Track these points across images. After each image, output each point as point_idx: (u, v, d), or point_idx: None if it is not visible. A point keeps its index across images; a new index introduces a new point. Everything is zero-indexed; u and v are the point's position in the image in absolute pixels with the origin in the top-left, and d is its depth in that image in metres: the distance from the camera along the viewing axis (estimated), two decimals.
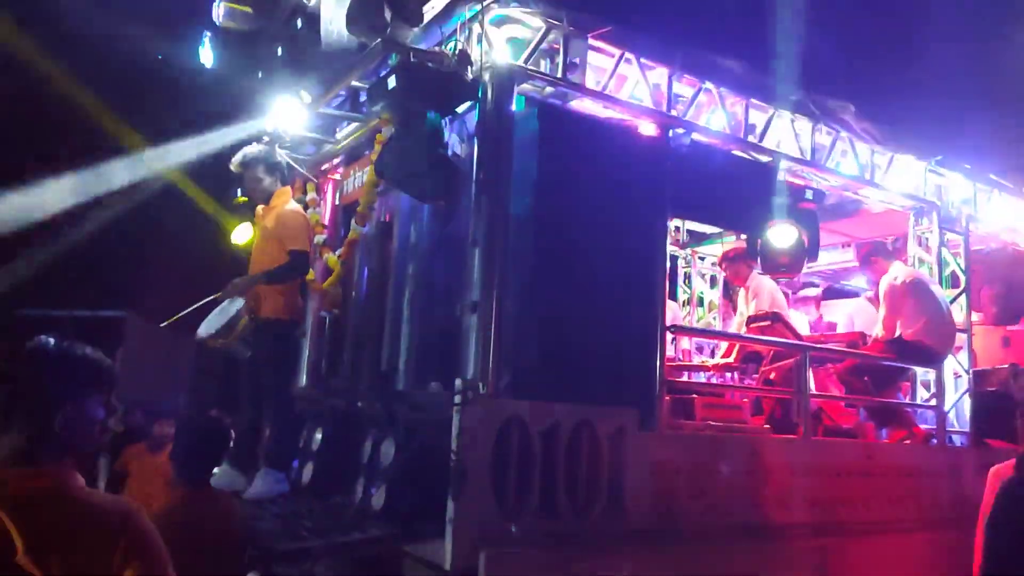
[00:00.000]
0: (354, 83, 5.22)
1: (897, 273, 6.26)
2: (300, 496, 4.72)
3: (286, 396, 5.27)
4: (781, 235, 5.43)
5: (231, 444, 4.72)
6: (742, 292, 7.20)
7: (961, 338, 6.53)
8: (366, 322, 5.56)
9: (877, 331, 6.25)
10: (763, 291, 6.88)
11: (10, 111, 11.15)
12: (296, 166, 5.92)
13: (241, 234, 5.86)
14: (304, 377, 6.19)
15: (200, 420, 3.72)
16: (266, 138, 5.74)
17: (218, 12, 5.38)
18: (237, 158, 5.43)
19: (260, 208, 5.45)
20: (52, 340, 1.96)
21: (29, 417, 1.89)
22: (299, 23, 5.19)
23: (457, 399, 3.69)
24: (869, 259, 6.52)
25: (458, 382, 3.76)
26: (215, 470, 4.29)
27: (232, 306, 4.98)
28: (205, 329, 4.99)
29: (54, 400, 1.90)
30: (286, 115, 5.41)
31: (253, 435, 5.16)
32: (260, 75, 5.63)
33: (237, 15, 5.29)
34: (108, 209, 11.16)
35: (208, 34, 5.64)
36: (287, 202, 5.34)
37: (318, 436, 4.97)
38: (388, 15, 4.21)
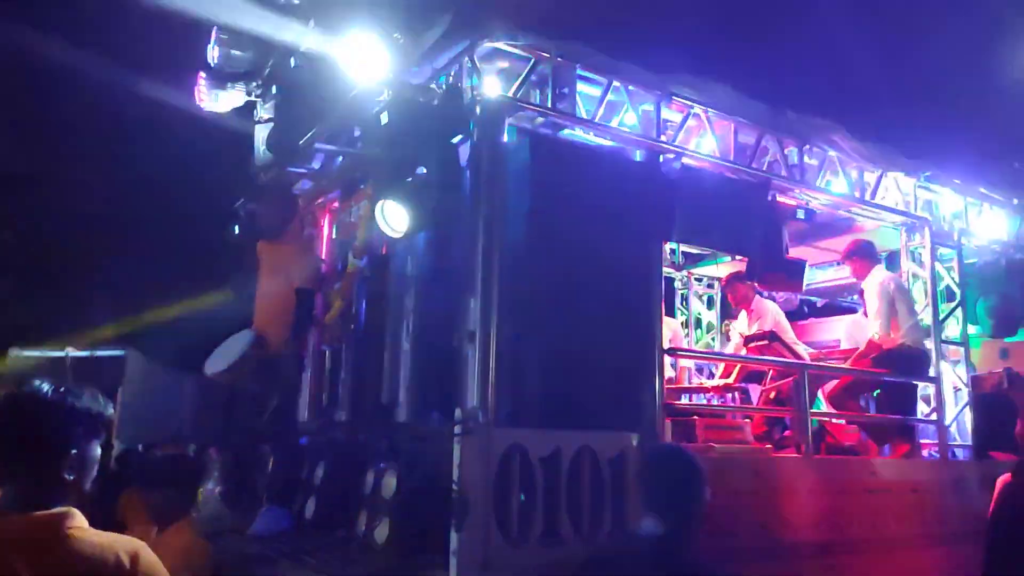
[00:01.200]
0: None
1: (887, 275, 6.31)
2: (303, 531, 4.71)
3: (292, 431, 5.28)
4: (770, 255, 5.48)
5: (213, 479, 4.68)
6: (743, 313, 7.22)
7: (959, 351, 6.55)
8: (365, 354, 5.58)
9: (875, 330, 6.17)
10: (766, 313, 6.91)
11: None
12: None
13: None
14: (305, 411, 6.20)
15: (167, 458, 3.64)
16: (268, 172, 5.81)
17: (213, 54, 5.48)
18: (255, 190, 5.47)
19: (263, 244, 5.48)
20: (49, 385, 1.97)
21: (35, 463, 1.91)
22: (292, 62, 5.29)
23: (458, 429, 3.70)
24: (854, 256, 6.49)
25: (458, 412, 3.77)
26: (197, 505, 4.23)
27: (239, 342, 5.00)
28: (214, 366, 4.99)
29: (60, 446, 1.92)
30: (281, 152, 5.49)
31: (244, 471, 5.14)
32: (256, 113, 5.72)
33: (232, 58, 5.39)
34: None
35: (203, 75, 5.72)
36: (300, 238, 5.38)
37: (320, 470, 4.97)
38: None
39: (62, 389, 1.96)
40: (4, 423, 1.93)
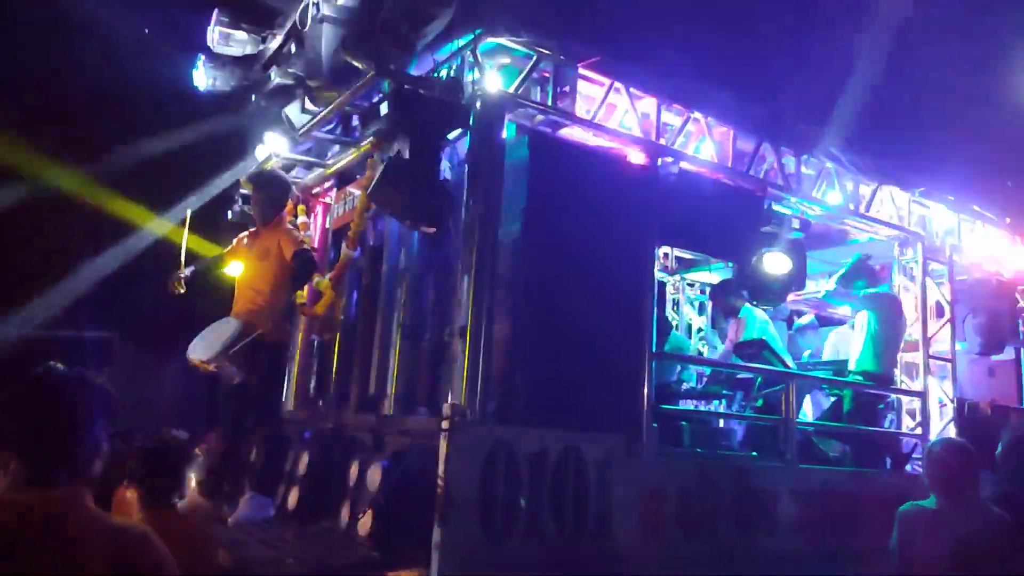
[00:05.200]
0: (346, 108, 5.27)
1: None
2: (286, 521, 4.68)
3: (277, 420, 5.24)
4: (768, 264, 5.49)
5: (198, 466, 4.62)
6: (732, 323, 7.23)
7: (947, 367, 6.58)
8: (355, 346, 5.56)
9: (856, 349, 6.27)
10: (754, 322, 6.92)
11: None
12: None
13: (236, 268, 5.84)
14: (291, 400, 6.16)
15: (157, 441, 3.60)
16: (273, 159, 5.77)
17: (213, 36, 5.44)
18: (253, 175, 5.42)
19: (247, 233, 5.42)
20: (63, 365, 1.97)
21: (45, 441, 1.90)
22: (292, 47, 5.25)
23: (444, 424, 3.68)
24: (853, 276, 6.53)
25: (446, 407, 3.76)
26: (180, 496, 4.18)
27: (225, 328, 4.91)
28: (200, 352, 4.87)
29: (72, 425, 1.92)
30: (278, 140, 5.47)
31: (227, 462, 5.09)
32: (254, 98, 5.67)
33: (232, 39, 5.35)
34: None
35: (203, 57, 5.67)
36: (286, 225, 5.32)
37: (305, 460, 4.94)
38: (384, 44, 4.29)
39: (77, 369, 1.97)
40: (23, 399, 1.92)
